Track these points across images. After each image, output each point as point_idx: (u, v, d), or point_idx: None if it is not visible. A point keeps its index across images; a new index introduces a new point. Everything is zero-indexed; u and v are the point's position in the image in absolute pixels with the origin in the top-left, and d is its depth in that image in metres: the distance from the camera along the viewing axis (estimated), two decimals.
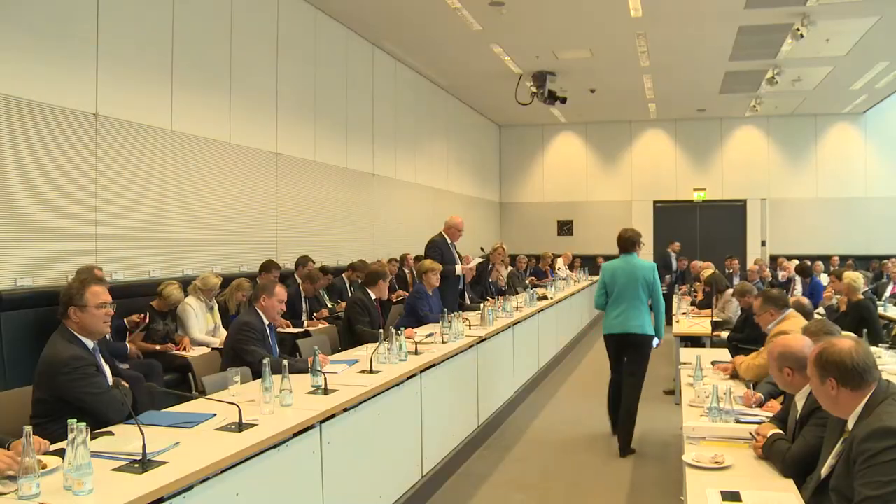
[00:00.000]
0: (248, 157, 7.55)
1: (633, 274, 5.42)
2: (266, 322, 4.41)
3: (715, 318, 6.94)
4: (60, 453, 2.37)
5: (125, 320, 5.32)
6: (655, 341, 5.54)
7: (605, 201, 16.85)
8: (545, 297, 9.02)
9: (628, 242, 5.48)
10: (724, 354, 5.07)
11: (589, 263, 15.32)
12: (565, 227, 17.13)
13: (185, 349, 5.54)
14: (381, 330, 4.77)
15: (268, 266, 7.04)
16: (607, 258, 16.60)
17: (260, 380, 3.30)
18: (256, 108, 7.70)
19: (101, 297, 3.15)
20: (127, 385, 3.29)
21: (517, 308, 7.43)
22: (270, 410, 3.11)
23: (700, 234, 15.80)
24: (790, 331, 3.73)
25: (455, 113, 14.36)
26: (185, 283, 6.01)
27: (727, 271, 11.14)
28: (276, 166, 8.04)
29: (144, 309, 5.58)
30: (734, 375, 4.20)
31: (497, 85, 12.51)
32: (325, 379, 3.57)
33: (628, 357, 5.51)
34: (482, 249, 9.34)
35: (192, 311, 5.86)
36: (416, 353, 4.65)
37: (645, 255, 11.21)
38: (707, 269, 9.48)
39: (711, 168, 16.30)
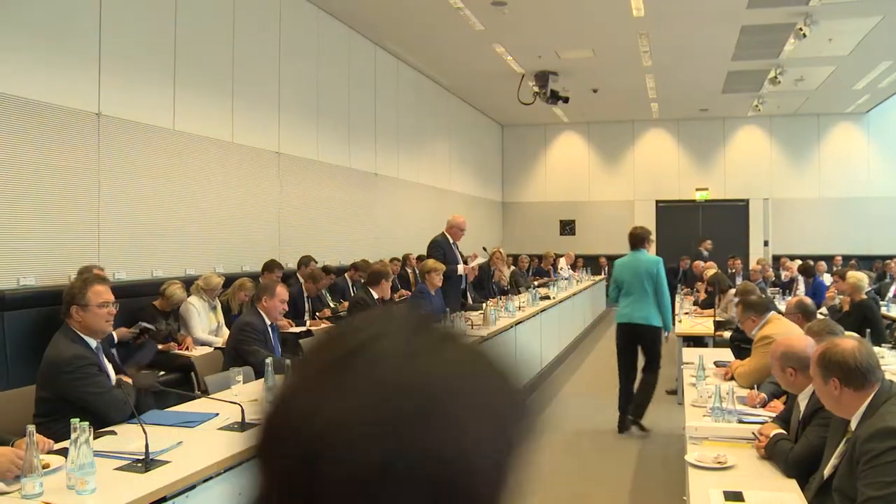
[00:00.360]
0: (251, 156, 7.55)
1: (638, 268, 5.74)
2: (268, 322, 4.42)
3: (718, 318, 6.93)
4: (64, 452, 2.38)
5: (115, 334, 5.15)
6: (665, 333, 5.88)
7: (608, 201, 16.83)
8: (548, 297, 9.02)
9: (637, 239, 5.86)
10: (726, 354, 5.07)
11: (591, 263, 15.32)
12: (568, 227, 17.12)
13: (187, 348, 5.54)
14: None
15: (270, 266, 7.03)
16: (610, 258, 16.65)
17: (262, 379, 3.31)
18: (259, 107, 7.71)
19: (103, 296, 3.16)
20: (131, 382, 3.30)
21: (520, 308, 7.42)
22: None
23: (702, 234, 15.72)
24: (774, 334, 3.76)
25: (457, 113, 14.36)
26: (188, 283, 6.02)
27: (730, 271, 11.13)
28: (279, 166, 8.05)
29: (147, 309, 5.59)
30: (732, 378, 4.19)
31: (499, 85, 12.50)
32: None
33: (641, 347, 5.83)
34: (484, 249, 9.34)
35: (194, 310, 5.87)
36: None
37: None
38: (710, 269, 9.45)
39: (714, 168, 16.28)
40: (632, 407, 5.81)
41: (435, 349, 0.51)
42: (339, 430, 0.46)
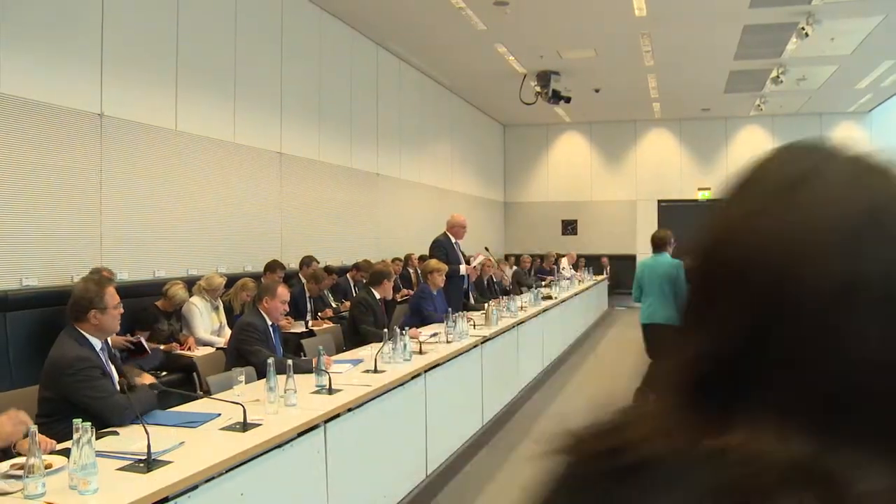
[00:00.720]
0: (253, 157, 7.55)
1: (657, 270, 6.00)
2: (269, 322, 4.42)
3: None
4: (66, 453, 2.38)
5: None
6: None
7: (610, 201, 16.82)
8: (550, 297, 9.02)
9: (658, 242, 6.14)
10: None
11: (593, 263, 15.29)
12: (570, 227, 17.11)
13: (189, 349, 5.55)
14: (386, 330, 4.78)
15: (272, 266, 7.05)
16: (612, 258, 16.53)
17: (264, 380, 3.31)
18: (261, 108, 7.71)
19: (116, 297, 3.20)
20: (146, 382, 3.29)
21: (521, 308, 7.42)
22: (275, 410, 3.11)
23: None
24: None
25: (459, 113, 14.36)
26: (190, 284, 6.02)
27: None
28: (281, 166, 8.05)
29: (150, 309, 5.59)
30: None
31: (501, 85, 12.50)
32: (330, 379, 3.57)
33: (658, 346, 5.98)
34: (487, 249, 9.35)
35: (196, 310, 5.87)
36: (420, 352, 4.65)
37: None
38: None
39: (716, 167, 16.22)
40: None
41: (876, 172, 0.53)
42: (801, 248, 0.48)
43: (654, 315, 5.95)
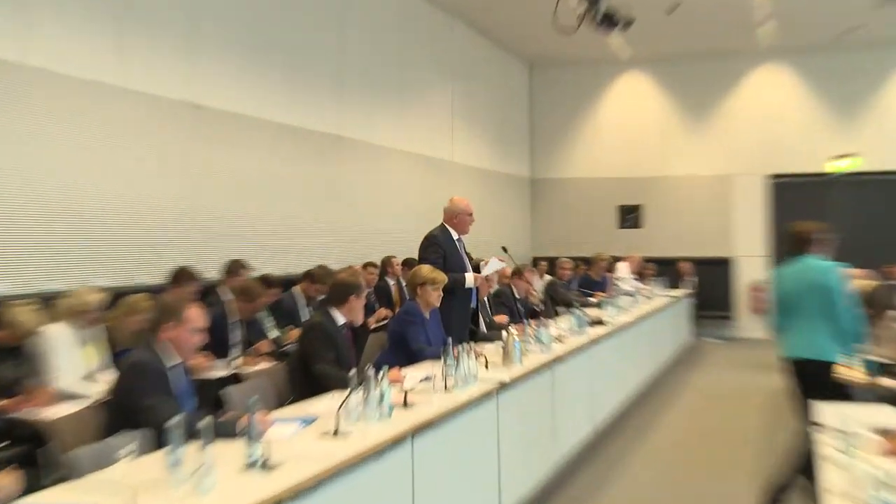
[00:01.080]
0: (149, 108, 7.56)
1: (801, 280, 6.03)
2: (173, 362, 4.40)
3: (880, 358, 6.82)
4: None
5: None
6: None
7: (692, 176, 16.83)
8: (601, 322, 8.97)
9: (800, 240, 6.12)
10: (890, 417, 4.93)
11: (667, 271, 15.24)
12: (630, 217, 17.14)
13: (42, 405, 5.45)
14: (353, 371, 4.71)
15: (179, 276, 7.07)
16: (696, 263, 16.44)
17: (164, 451, 3.26)
18: (162, 38, 7.72)
19: None
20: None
21: (558, 338, 7.38)
22: (181, 499, 3.08)
23: (844, 224, 15.54)
24: None
25: (464, 47, 14.43)
26: (47, 304, 5.99)
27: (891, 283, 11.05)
28: (194, 125, 8.04)
29: None
30: None
31: (526, 4, 12.48)
32: (267, 448, 3.52)
33: (803, 390, 5.97)
34: (504, 249, 9.31)
35: (55, 345, 5.83)
36: (405, 405, 4.65)
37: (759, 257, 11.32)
38: (864, 282, 9.30)
39: (864, 124, 16.19)
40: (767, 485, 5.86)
41: None
42: None
43: (796, 346, 6.01)
